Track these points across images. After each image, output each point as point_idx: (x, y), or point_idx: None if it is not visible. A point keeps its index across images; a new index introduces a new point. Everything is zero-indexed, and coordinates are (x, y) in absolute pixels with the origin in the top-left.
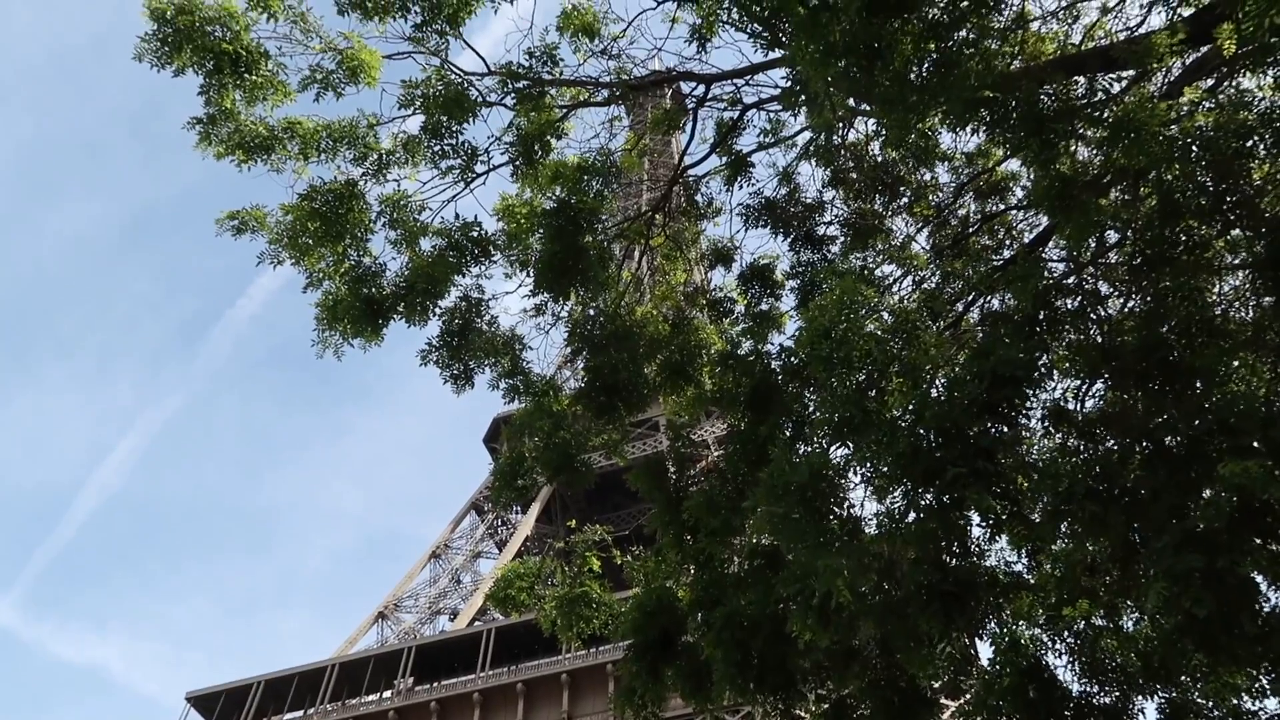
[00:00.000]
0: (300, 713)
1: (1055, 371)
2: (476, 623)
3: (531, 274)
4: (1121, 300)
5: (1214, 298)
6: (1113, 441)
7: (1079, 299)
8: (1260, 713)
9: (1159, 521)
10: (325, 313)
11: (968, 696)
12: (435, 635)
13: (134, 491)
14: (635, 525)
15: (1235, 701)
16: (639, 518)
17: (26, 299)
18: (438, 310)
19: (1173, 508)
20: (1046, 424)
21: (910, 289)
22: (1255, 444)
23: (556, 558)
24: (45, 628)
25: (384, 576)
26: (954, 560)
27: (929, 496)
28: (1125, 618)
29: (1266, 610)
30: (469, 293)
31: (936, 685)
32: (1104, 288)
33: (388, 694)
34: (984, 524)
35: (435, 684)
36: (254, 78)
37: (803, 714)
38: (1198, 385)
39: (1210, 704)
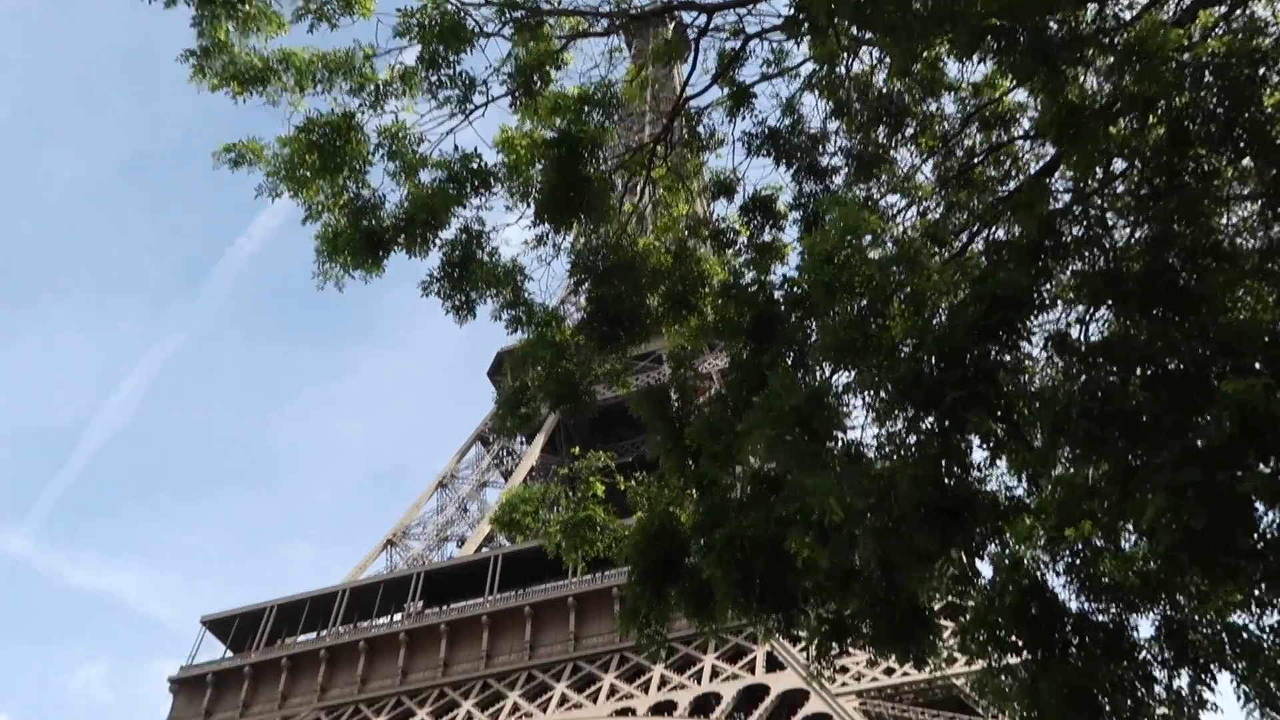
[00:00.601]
0: (313, 634)
1: (1060, 300)
2: (484, 549)
3: (532, 205)
4: (1129, 229)
5: (1221, 225)
6: (1115, 367)
7: (1085, 227)
8: (1252, 625)
9: (1159, 443)
10: (325, 244)
11: (967, 616)
12: (444, 561)
13: (141, 427)
14: (638, 454)
15: (1231, 620)
16: (641, 448)
17: (28, 240)
18: (438, 242)
19: (1173, 428)
20: (1049, 352)
21: (914, 219)
22: (1257, 365)
23: (561, 483)
24: (59, 556)
25: (390, 510)
26: (952, 481)
27: (929, 420)
28: (1124, 540)
29: (1262, 527)
30: (470, 224)
31: (937, 606)
32: (1110, 217)
33: (398, 617)
34: (984, 446)
35: (445, 607)
36: (247, 8)
37: (803, 634)
38: (1203, 311)
39: (1206, 620)
